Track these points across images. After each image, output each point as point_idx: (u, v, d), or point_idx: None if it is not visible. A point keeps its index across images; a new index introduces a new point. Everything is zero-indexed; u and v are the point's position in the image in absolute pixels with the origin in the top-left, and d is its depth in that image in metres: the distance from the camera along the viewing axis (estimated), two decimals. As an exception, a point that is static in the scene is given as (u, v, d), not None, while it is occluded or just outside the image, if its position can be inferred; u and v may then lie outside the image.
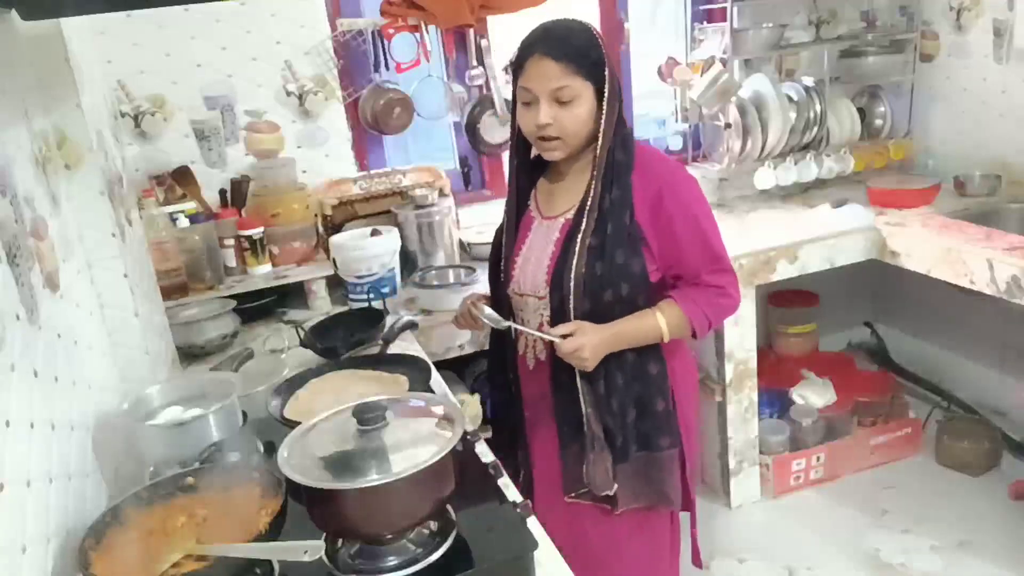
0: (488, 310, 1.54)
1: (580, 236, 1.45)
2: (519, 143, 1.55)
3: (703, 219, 1.48)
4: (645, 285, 1.48)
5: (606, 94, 1.41)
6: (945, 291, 2.52)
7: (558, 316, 1.50)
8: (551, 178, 1.58)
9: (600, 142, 1.43)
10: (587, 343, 1.41)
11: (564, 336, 1.43)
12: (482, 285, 2.00)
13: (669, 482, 1.57)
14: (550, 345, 1.50)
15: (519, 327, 1.54)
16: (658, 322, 1.46)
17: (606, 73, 1.41)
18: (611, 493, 1.53)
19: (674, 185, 1.47)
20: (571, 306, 1.47)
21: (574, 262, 1.45)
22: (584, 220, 1.45)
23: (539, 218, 1.57)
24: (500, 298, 1.62)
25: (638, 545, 1.63)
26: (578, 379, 1.50)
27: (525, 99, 1.43)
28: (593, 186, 1.45)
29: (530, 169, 1.60)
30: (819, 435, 2.81)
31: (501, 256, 1.61)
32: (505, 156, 2.83)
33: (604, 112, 1.42)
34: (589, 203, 1.45)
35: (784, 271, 2.54)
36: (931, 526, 2.52)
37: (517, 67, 1.44)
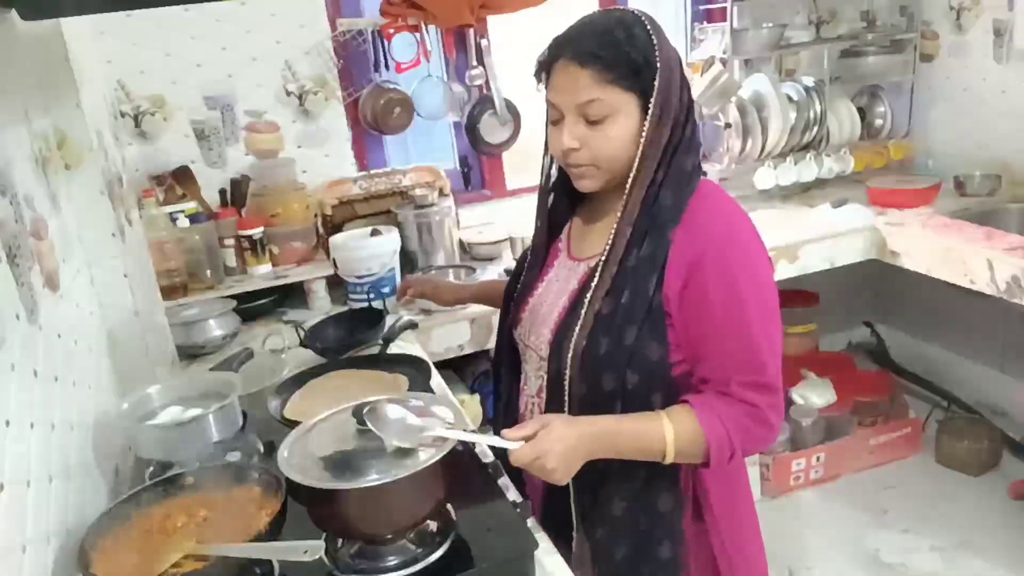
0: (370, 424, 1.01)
1: (589, 298, 1.11)
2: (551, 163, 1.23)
3: (752, 306, 1.06)
4: (662, 379, 1.10)
5: (651, 110, 1.06)
6: (945, 291, 2.52)
7: (553, 393, 1.16)
8: (588, 210, 1.25)
9: (634, 175, 1.09)
10: (551, 449, 0.99)
11: (525, 438, 1.01)
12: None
13: None
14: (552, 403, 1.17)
15: (445, 434, 1.00)
16: (663, 430, 1.05)
17: (657, 82, 1.06)
18: None
19: (724, 249, 1.06)
20: (566, 386, 1.13)
21: (576, 330, 1.11)
22: (598, 277, 1.11)
23: (565, 255, 1.24)
24: (503, 338, 1.32)
25: None
26: (570, 488, 1.15)
27: (553, 116, 1.13)
28: (616, 234, 1.10)
29: (570, 192, 1.23)
30: (819, 435, 2.81)
31: (516, 287, 1.30)
32: (505, 156, 2.84)
33: (646, 133, 1.07)
34: (608, 256, 1.11)
35: (784, 271, 2.54)
36: (931, 526, 2.52)
37: (544, 74, 1.13)
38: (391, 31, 2.44)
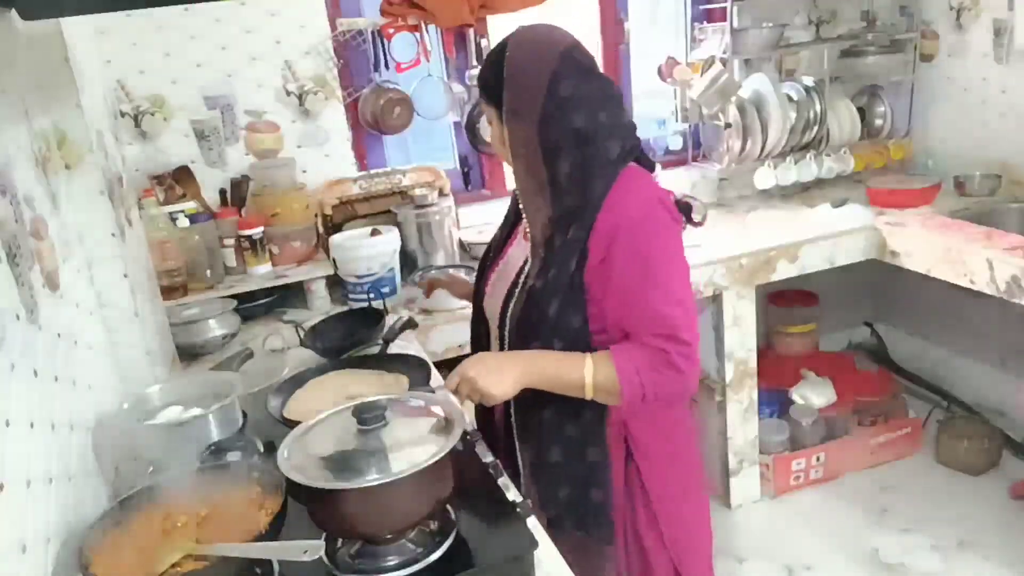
0: None
1: (525, 275, 1.30)
2: None
3: (661, 272, 1.22)
4: (585, 346, 1.25)
5: (505, 114, 1.25)
6: (945, 291, 2.52)
7: None
8: None
9: (514, 170, 1.29)
10: (477, 369, 1.21)
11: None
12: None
13: None
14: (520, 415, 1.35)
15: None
16: (583, 363, 1.22)
17: (504, 92, 1.24)
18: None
19: (635, 226, 1.22)
20: (507, 350, 1.33)
21: (512, 303, 1.31)
22: (531, 257, 1.30)
23: (522, 235, 1.40)
24: (477, 309, 1.48)
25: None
26: (516, 441, 1.35)
27: None
28: (530, 217, 1.30)
29: None
30: (819, 435, 2.81)
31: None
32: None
33: (505, 134, 1.27)
34: (532, 236, 1.30)
35: (784, 271, 2.54)
36: (931, 526, 2.52)
37: None
38: (391, 31, 2.44)
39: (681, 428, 1.42)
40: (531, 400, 1.28)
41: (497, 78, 1.26)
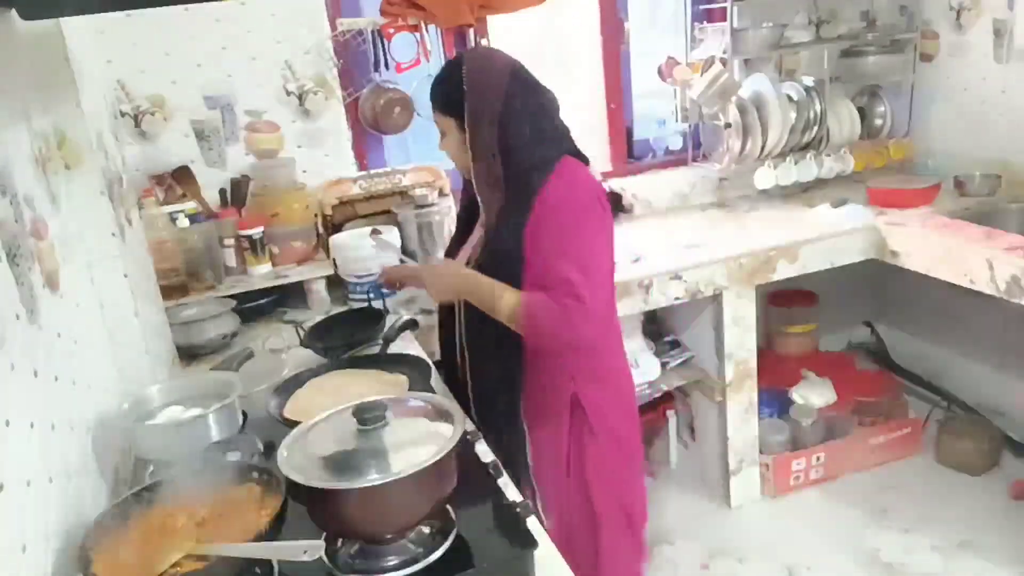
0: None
1: (479, 253, 1.56)
2: None
3: (570, 239, 1.46)
4: None
5: (467, 125, 1.49)
6: (945, 291, 2.52)
7: (463, 316, 1.62)
8: None
9: (473, 165, 1.51)
10: (428, 271, 1.62)
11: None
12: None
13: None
14: (466, 332, 1.64)
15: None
16: (502, 297, 1.48)
17: (465, 107, 1.48)
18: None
19: (559, 206, 1.46)
20: (463, 310, 1.60)
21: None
22: (481, 237, 1.57)
23: (480, 228, 1.63)
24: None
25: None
26: (468, 376, 1.65)
27: None
28: (484, 206, 1.53)
29: None
30: (819, 435, 2.81)
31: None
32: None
33: (468, 140, 1.50)
34: (486, 222, 1.54)
35: (784, 271, 2.54)
36: (931, 526, 2.52)
37: None
38: (391, 31, 2.44)
39: (617, 375, 1.71)
40: (476, 323, 1.57)
41: (458, 90, 1.49)
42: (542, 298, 1.45)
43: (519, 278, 1.48)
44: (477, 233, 1.64)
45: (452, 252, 1.74)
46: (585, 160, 1.58)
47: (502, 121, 1.47)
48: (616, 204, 1.59)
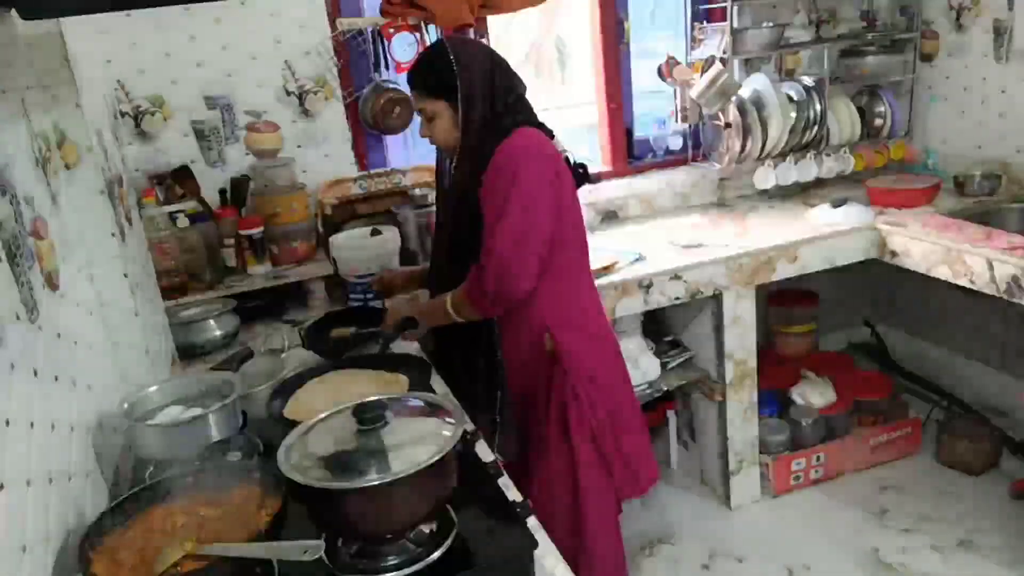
0: None
1: (445, 223, 1.72)
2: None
3: (495, 197, 1.57)
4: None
5: (460, 106, 1.60)
6: (945, 291, 2.52)
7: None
8: None
9: (460, 142, 1.63)
10: (406, 310, 1.79)
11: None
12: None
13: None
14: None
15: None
16: (445, 302, 1.68)
17: (459, 88, 1.59)
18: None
19: (501, 168, 1.57)
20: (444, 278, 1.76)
21: (439, 249, 1.77)
22: (453, 208, 1.71)
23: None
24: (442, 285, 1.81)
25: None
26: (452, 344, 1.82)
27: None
28: (458, 178, 1.66)
29: None
30: (819, 435, 2.81)
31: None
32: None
33: (460, 121, 1.61)
34: (455, 193, 1.69)
35: (784, 271, 2.54)
36: (931, 526, 2.52)
37: None
38: (391, 31, 2.44)
39: (595, 324, 1.80)
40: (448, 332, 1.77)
41: (448, 71, 1.59)
42: (472, 275, 1.61)
43: (477, 235, 1.61)
44: None
45: (435, 249, 1.86)
46: (549, 133, 1.68)
47: (493, 98, 1.60)
48: (583, 174, 1.74)
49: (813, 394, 2.86)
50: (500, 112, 1.62)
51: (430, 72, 1.64)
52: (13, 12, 1.14)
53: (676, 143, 3.13)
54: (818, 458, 2.77)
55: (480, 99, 1.60)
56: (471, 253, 1.62)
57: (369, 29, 2.46)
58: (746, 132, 2.85)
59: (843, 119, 3.01)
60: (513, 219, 1.55)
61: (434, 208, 2.43)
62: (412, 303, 1.77)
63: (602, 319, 1.83)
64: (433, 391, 1.54)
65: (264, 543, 0.94)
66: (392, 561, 1.01)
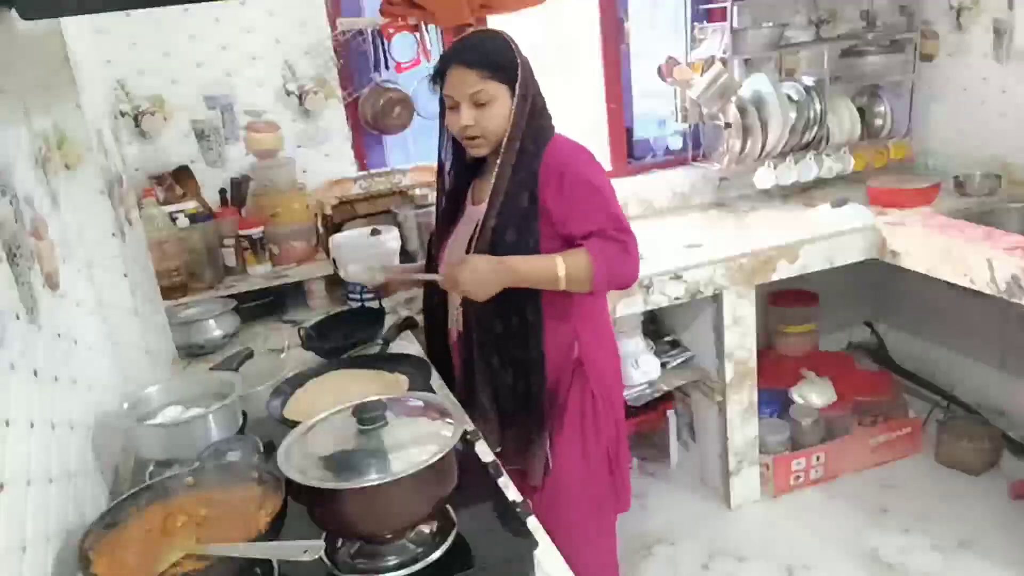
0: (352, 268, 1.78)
1: (483, 218, 1.58)
2: (452, 144, 1.71)
3: (603, 188, 1.58)
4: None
5: (517, 93, 1.54)
6: (945, 291, 2.52)
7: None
8: (482, 171, 1.71)
9: (509, 134, 1.55)
10: (464, 268, 1.50)
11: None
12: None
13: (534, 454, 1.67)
14: (464, 315, 1.65)
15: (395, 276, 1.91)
16: (555, 263, 1.53)
17: (519, 75, 1.54)
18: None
19: (576, 164, 1.58)
20: (466, 314, 1.63)
21: (475, 241, 1.59)
22: (490, 202, 1.58)
23: (469, 204, 1.72)
24: (434, 284, 1.73)
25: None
26: (475, 356, 1.64)
27: (450, 104, 1.59)
28: (498, 176, 1.57)
29: (468, 167, 1.73)
30: (819, 435, 2.81)
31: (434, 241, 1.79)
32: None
33: (514, 109, 1.55)
34: (495, 187, 1.57)
35: (784, 271, 2.54)
36: (931, 526, 2.52)
37: (440, 77, 1.59)
38: (391, 31, 2.44)
39: (611, 339, 1.80)
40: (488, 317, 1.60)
41: (512, 63, 1.54)
42: (599, 243, 1.54)
43: (535, 234, 1.55)
44: (468, 219, 1.67)
45: (437, 247, 1.76)
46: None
47: (537, 92, 1.59)
48: None
49: (813, 394, 2.86)
50: (540, 110, 1.60)
51: (496, 53, 1.55)
52: (13, 12, 1.14)
53: (676, 143, 3.13)
54: (818, 458, 2.77)
55: (531, 94, 1.57)
56: (514, 248, 1.55)
57: (369, 29, 2.46)
58: (746, 132, 2.85)
59: (843, 119, 3.00)
60: (614, 200, 1.59)
61: (434, 208, 2.45)
62: (489, 259, 1.52)
63: (612, 330, 1.83)
64: (433, 391, 1.54)
65: (264, 543, 0.94)
66: (392, 561, 1.01)
